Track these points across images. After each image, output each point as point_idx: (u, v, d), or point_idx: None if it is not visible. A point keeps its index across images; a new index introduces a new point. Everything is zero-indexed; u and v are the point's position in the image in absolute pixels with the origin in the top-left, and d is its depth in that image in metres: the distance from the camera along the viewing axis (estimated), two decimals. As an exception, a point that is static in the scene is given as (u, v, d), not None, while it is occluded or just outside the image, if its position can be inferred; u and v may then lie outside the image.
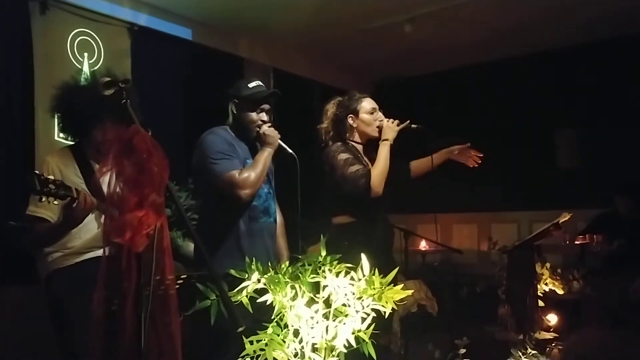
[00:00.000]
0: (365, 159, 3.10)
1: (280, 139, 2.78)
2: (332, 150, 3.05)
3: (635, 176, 4.86)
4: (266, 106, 2.80)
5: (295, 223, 2.89)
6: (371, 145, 3.16)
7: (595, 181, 5.32)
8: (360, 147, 3.14)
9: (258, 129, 2.78)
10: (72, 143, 2.66)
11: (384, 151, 3.01)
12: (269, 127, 2.79)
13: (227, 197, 2.65)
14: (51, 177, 2.06)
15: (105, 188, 2.22)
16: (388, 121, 3.08)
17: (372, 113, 3.12)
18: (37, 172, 2.03)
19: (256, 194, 2.74)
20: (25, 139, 3.88)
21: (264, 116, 2.79)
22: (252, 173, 2.66)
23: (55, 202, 2.11)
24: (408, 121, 3.09)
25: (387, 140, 3.02)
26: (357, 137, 3.14)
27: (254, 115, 2.78)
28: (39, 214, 2.38)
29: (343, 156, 3.00)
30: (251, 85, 2.81)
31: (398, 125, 3.06)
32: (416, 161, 3.36)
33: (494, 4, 4.92)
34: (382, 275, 1.82)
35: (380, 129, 3.09)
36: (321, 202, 3.15)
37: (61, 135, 3.81)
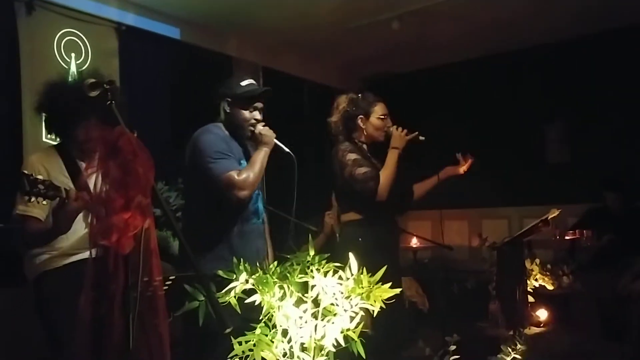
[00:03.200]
0: (372, 159, 3.16)
1: (276, 137, 2.75)
2: (341, 149, 3.12)
3: (624, 171, 4.89)
4: (259, 104, 2.77)
5: (288, 222, 2.88)
6: (374, 147, 3.23)
7: (585, 176, 5.35)
8: (366, 147, 3.20)
9: (252, 128, 2.74)
10: (57, 143, 2.63)
11: (392, 158, 3.08)
12: (263, 126, 2.76)
13: (224, 197, 2.60)
14: (40, 177, 2.04)
15: (91, 189, 2.23)
16: (397, 129, 3.13)
17: (383, 119, 3.18)
18: (26, 172, 2.01)
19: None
20: (12, 141, 3.84)
21: (257, 115, 2.75)
22: (250, 173, 2.62)
23: (44, 202, 2.09)
24: (417, 132, 3.15)
25: (396, 148, 3.09)
26: (363, 138, 3.20)
27: (246, 113, 2.73)
28: (29, 212, 2.36)
29: (352, 156, 3.07)
30: (244, 83, 2.77)
31: (407, 135, 3.12)
32: (420, 184, 3.42)
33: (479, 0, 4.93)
34: (370, 275, 1.83)
35: (387, 134, 3.15)
36: (314, 201, 3.18)
37: (49, 136, 3.79)
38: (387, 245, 3.06)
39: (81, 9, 4.29)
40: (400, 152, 3.09)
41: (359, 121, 3.17)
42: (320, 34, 5.57)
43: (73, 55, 4.17)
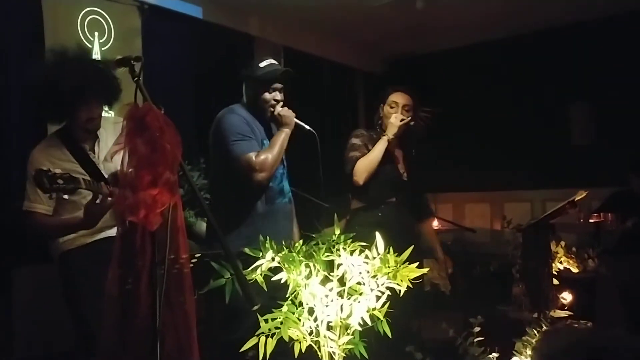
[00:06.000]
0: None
1: (297, 117, 2.77)
2: (352, 134, 3.21)
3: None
4: (278, 85, 2.77)
5: (313, 203, 2.90)
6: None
7: (610, 159, 5.24)
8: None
9: (272, 109, 2.76)
10: (57, 129, 2.55)
11: (378, 145, 3.10)
12: (283, 106, 2.77)
13: (244, 179, 2.63)
14: (58, 171, 2.01)
15: (108, 168, 2.23)
16: (395, 117, 3.14)
17: (392, 107, 3.19)
18: (43, 168, 1.99)
19: (273, 176, 2.73)
20: (37, 123, 3.85)
21: (277, 95, 2.76)
22: (269, 155, 2.64)
23: (65, 197, 2.07)
24: (409, 118, 3.16)
25: (385, 135, 3.13)
26: (385, 127, 3.21)
27: (267, 95, 2.75)
28: (35, 209, 2.36)
29: (353, 140, 3.16)
30: (263, 64, 2.77)
31: (401, 121, 3.13)
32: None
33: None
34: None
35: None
36: (337, 182, 3.18)
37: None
38: (393, 231, 3.03)
39: (104, -12, 4.28)
40: (390, 139, 3.10)
41: (380, 109, 3.25)
42: (343, 13, 5.50)
43: (96, 34, 4.17)
